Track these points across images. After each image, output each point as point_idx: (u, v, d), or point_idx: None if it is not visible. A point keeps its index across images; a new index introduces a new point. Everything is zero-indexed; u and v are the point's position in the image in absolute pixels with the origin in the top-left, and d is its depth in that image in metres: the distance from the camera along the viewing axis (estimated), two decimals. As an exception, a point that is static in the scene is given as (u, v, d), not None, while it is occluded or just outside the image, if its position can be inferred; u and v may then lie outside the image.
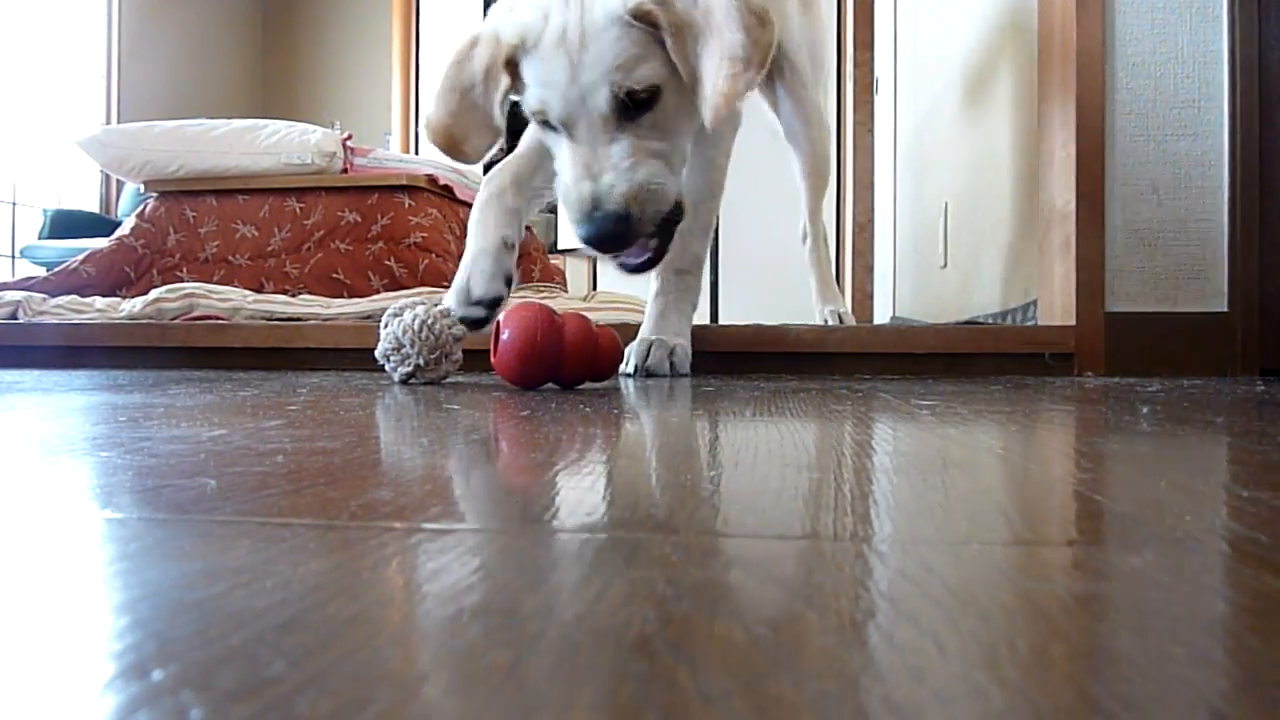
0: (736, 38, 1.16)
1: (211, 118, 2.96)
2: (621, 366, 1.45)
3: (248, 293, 2.38)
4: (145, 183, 2.83)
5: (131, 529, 0.38)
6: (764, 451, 0.64)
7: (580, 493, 0.50)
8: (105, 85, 5.54)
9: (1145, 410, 0.96)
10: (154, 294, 2.23)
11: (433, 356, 1.31)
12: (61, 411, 0.94)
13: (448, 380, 1.38)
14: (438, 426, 0.81)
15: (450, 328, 1.32)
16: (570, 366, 1.22)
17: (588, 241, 1.20)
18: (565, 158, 1.23)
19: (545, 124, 1.25)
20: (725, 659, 0.23)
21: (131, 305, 2.22)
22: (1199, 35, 1.71)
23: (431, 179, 2.84)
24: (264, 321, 2.07)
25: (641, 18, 1.16)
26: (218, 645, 0.24)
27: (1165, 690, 0.21)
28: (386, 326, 1.33)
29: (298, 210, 2.73)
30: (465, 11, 6.12)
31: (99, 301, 2.42)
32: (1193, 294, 1.72)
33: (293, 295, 2.50)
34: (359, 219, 2.69)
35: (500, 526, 0.40)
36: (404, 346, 1.31)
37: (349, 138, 2.88)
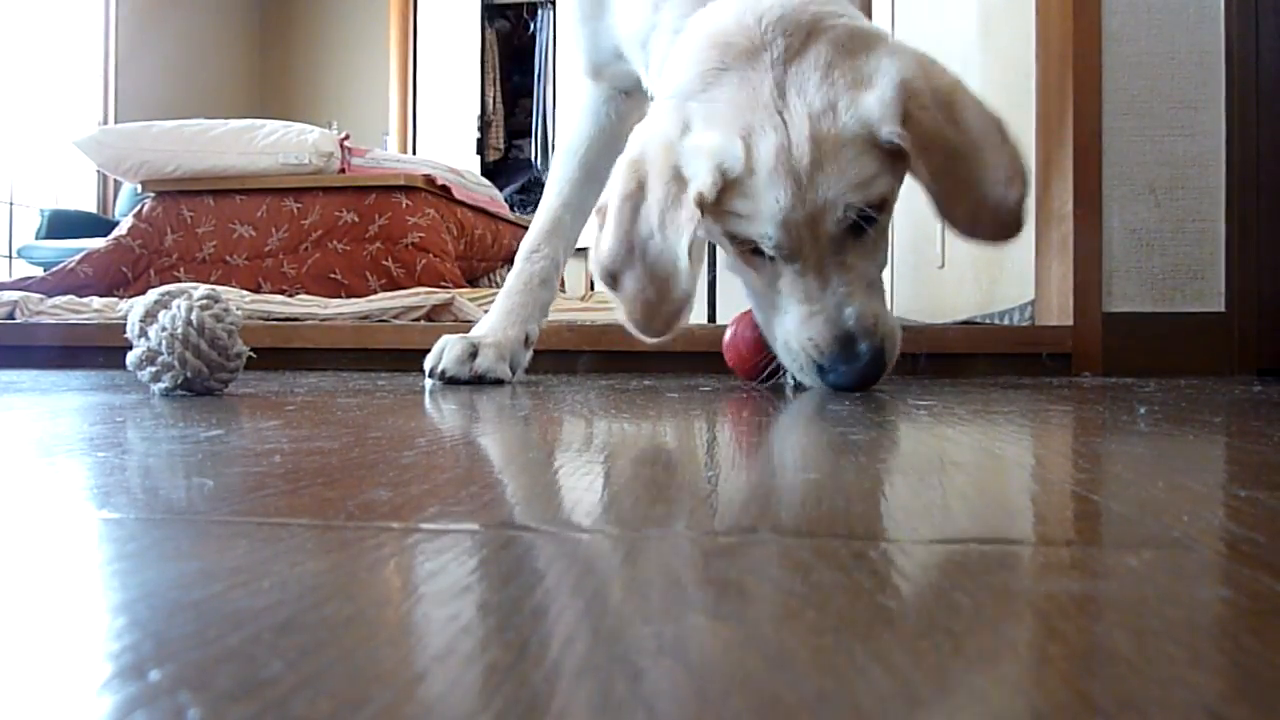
0: (1002, 157, 1.03)
1: (209, 118, 2.96)
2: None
3: (245, 293, 2.38)
4: (142, 183, 2.83)
5: (129, 529, 0.38)
6: (761, 451, 0.64)
7: (578, 492, 0.50)
8: (102, 85, 5.53)
9: (1143, 410, 0.96)
10: (151, 294, 2.23)
11: (205, 363, 1.05)
12: (58, 412, 0.94)
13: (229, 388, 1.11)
14: (435, 427, 0.81)
15: (223, 318, 1.08)
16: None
17: (844, 385, 1.06)
18: (788, 292, 1.06)
19: (752, 253, 1.08)
20: (723, 659, 0.23)
21: (129, 305, 2.22)
22: (1196, 35, 1.71)
23: (429, 179, 2.84)
24: (261, 321, 2.07)
25: (891, 144, 0.99)
26: (215, 645, 0.24)
27: (1163, 690, 0.21)
28: (140, 334, 1.07)
29: (295, 210, 2.73)
30: (463, 11, 6.12)
31: (96, 302, 2.42)
32: (1190, 294, 1.72)
33: (290, 295, 2.50)
34: (356, 219, 2.69)
35: (497, 526, 0.40)
36: (163, 355, 1.04)
37: (346, 138, 2.88)
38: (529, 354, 1.40)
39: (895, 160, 1.01)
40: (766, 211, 1.00)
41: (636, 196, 1.05)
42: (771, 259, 1.06)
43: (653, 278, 1.06)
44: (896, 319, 1.11)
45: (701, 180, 1.00)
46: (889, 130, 0.98)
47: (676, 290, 1.05)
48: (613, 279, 1.09)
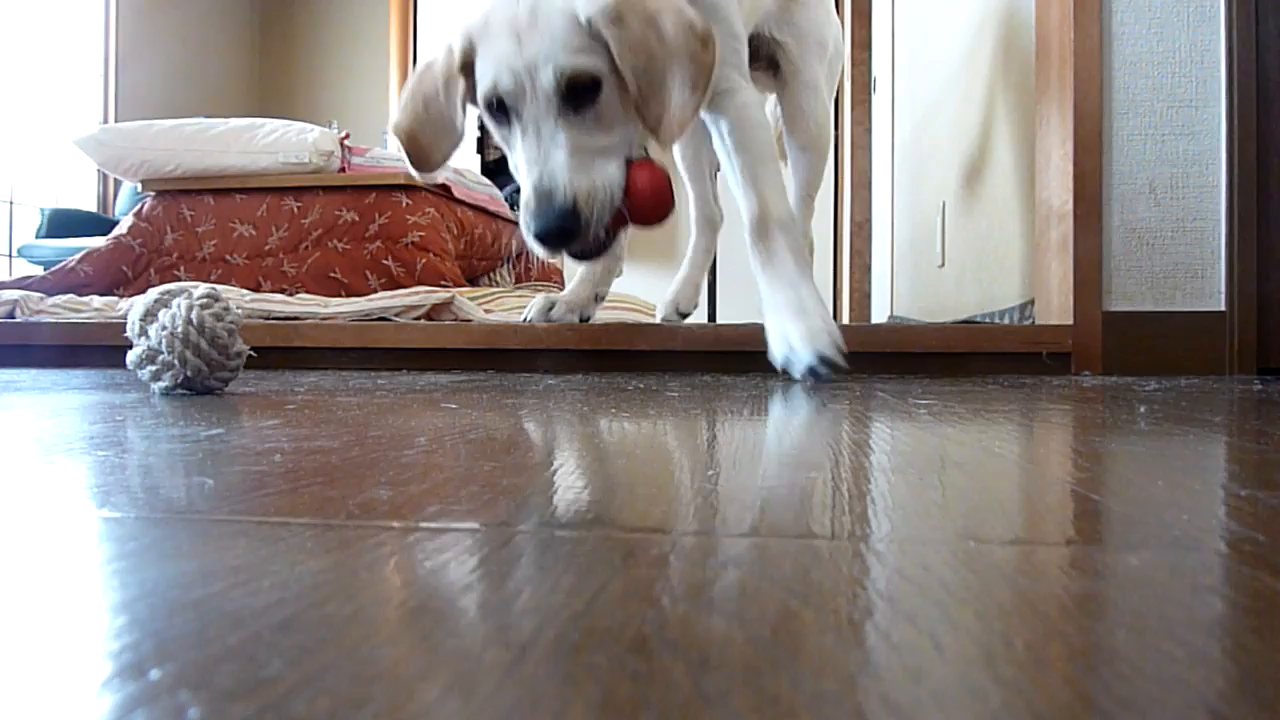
0: (688, 69, 1.24)
1: (209, 117, 2.96)
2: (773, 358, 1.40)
3: (245, 292, 2.38)
4: (143, 182, 2.82)
5: (129, 528, 0.38)
6: (762, 450, 0.64)
7: (578, 491, 0.49)
8: (103, 84, 5.53)
9: (1142, 409, 0.96)
10: (152, 293, 2.23)
11: (205, 362, 1.06)
12: (59, 410, 0.94)
13: (230, 387, 1.12)
14: (435, 426, 0.81)
15: (223, 317, 1.08)
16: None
17: (541, 237, 1.24)
18: (519, 154, 1.28)
19: (499, 113, 1.29)
20: (723, 658, 0.23)
21: (129, 304, 2.22)
22: (1197, 34, 1.72)
23: (429, 178, 2.83)
24: (261, 321, 2.07)
25: (595, 31, 1.22)
26: (215, 644, 0.24)
27: (1163, 690, 0.21)
28: (140, 333, 1.08)
29: (295, 209, 2.72)
30: (463, 10, 6.13)
31: (96, 301, 2.42)
32: (1190, 293, 1.72)
33: (290, 294, 2.50)
34: (356, 218, 2.69)
35: (498, 526, 0.40)
36: (163, 354, 1.05)
37: (346, 137, 2.87)
38: (597, 308, 1.85)
39: (604, 49, 1.23)
40: (495, 59, 1.25)
41: (427, 70, 1.38)
42: (509, 121, 1.28)
43: (435, 127, 1.38)
44: (612, 191, 1.27)
45: (458, 46, 1.32)
46: (585, 15, 1.22)
47: (453, 136, 1.38)
48: (401, 131, 1.39)
